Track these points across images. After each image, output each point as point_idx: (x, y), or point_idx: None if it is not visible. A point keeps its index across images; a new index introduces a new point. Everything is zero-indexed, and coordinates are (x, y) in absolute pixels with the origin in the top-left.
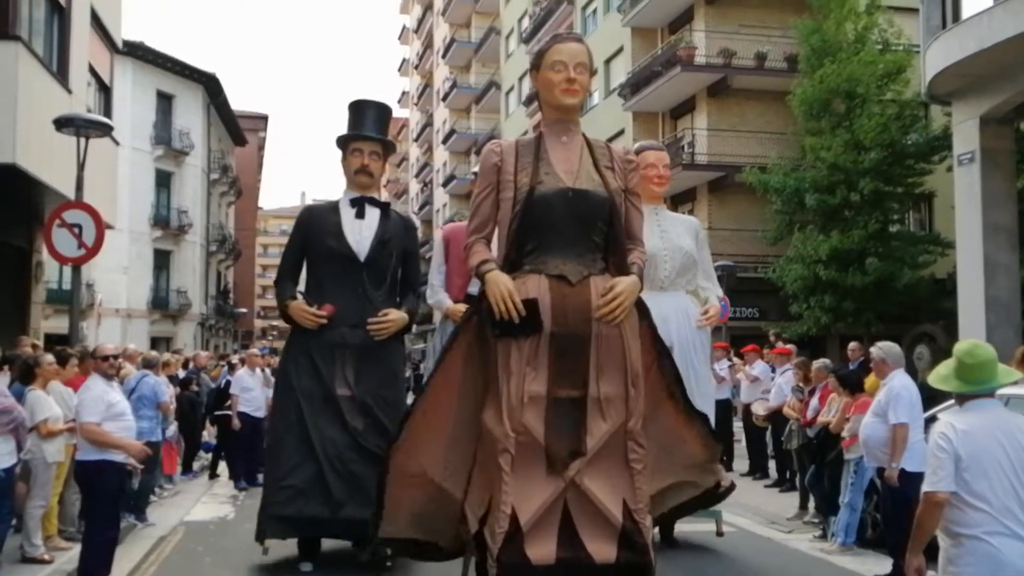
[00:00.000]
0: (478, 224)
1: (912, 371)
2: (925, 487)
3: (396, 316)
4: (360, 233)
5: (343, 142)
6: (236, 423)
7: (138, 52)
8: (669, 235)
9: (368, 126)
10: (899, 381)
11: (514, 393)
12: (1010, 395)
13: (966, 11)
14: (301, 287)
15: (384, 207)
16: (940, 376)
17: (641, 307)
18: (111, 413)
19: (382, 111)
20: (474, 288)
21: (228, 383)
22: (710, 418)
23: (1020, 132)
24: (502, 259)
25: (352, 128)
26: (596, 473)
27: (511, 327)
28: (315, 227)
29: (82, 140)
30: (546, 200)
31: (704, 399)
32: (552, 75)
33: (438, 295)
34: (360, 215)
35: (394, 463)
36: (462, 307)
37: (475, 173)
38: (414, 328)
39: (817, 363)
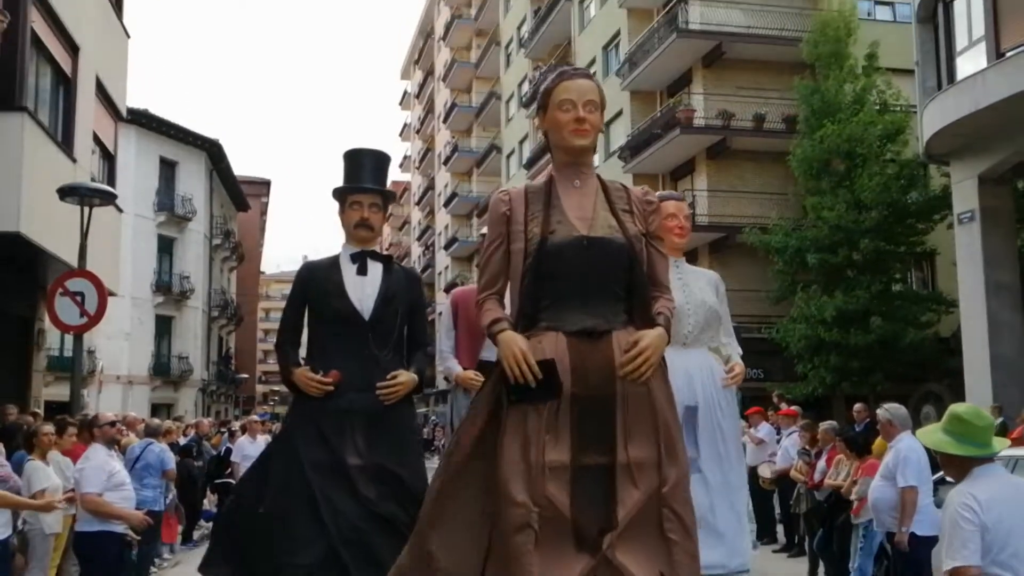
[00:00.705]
0: (488, 279)
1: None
2: (955, 563)
3: (406, 378)
4: (363, 291)
5: (340, 194)
6: None
7: (142, 120)
8: (691, 289)
9: (366, 176)
10: (907, 443)
11: (534, 463)
12: (1018, 456)
13: (961, 72)
14: (303, 349)
15: (386, 261)
16: (943, 441)
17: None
18: (112, 483)
19: (380, 159)
20: (487, 353)
21: (229, 450)
22: (742, 482)
23: (1018, 191)
24: (516, 317)
25: (349, 179)
26: (629, 546)
27: (528, 391)
28: (316, 286)
29: (86, 209)
30: (559, 251)
31: (731, 463)
32: (560, 115)
33: (447, 362)
34: (362, 271)
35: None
36: (472, 374)
37: (482, 235)
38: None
39: (823, 425)
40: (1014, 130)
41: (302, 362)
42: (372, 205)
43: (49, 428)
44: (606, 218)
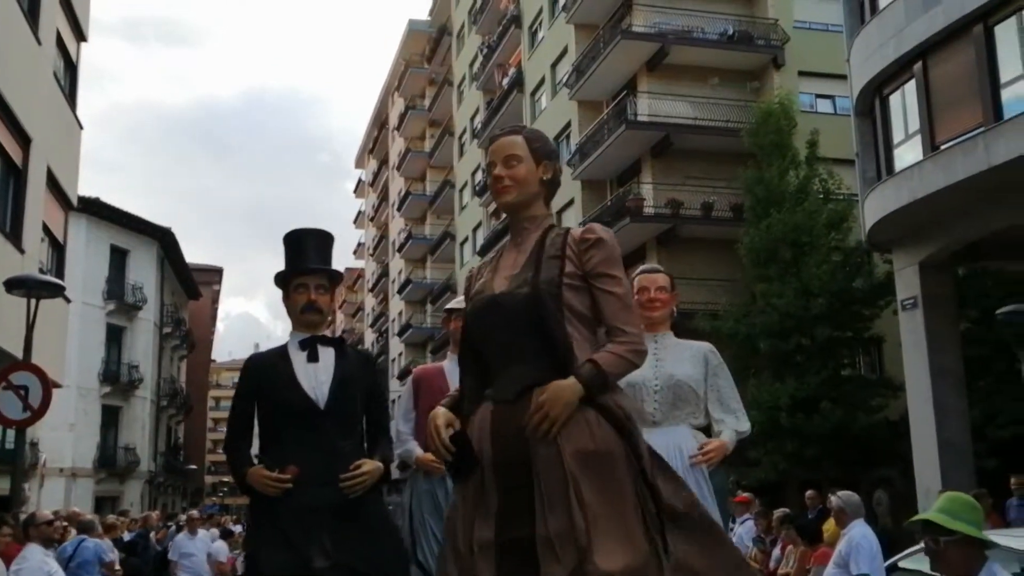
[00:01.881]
0: (458, 350)
1: (872, 516)
2: None
3: (371, 467)
4: (316, 378)
5: (284, 278)
6: None
7: (92, 208)
8: (664, 364)
9: (311, 257)
10: (859, 531)
11: (462, 542)
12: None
13: (899, 163)
14: (254, 446)
15: (338, 344)
16: (972, 523)
17: (617, 419)
18: None
19: (323, 239)
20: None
21: None
22: None
23: (959, 277)
24: (460, 389)
25: (292, 262)
26: None
27: (452, 467)
28: (265, 378)
29: (33, 301)
30: (475, 313)
31: None
32: (491, 179)
33: (407, 444)
34: (313, 358)
35: None
36: (431, 456)
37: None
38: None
39: (777, 512)
40: (951, 219)
41: (255, 460)
42: (318, 287)
43: None
44: (526, 270)
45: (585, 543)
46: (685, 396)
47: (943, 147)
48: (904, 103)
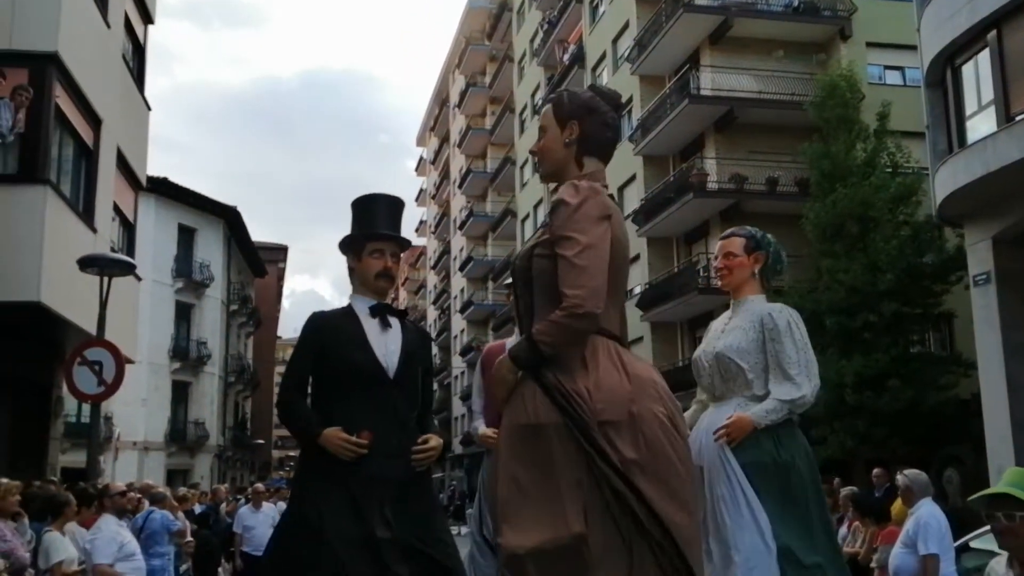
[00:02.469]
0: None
1: (942, 494)
2: None
3: (437, 443)
4: (386, 346)
5: (359, 242)
6: (238, 563)
7: (161, 188)
8: (724, 335)
9: (384, 223)
10: (927, 510)
11: None
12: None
13: (971, 136)
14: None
15: (402, 316)
16: None
17: (553, 395)
18: (123, 554)
19: (396, 205)
20: None
21: None
22: (752, 555)
23: None
24: None
25: (368, 226)
26: None
27: None
28: (331, 337)
29: (105, 279)
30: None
31: (733, 533)
32: None
33: (475, 420)
34: (385, 324)
35: None
36: (492, 431)
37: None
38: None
39: (844, 490)
40: None
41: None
42: (394, 255)
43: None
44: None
45: (502, 516)
46: (730, 369)
47: (1018, 118)
48: (977, 73)
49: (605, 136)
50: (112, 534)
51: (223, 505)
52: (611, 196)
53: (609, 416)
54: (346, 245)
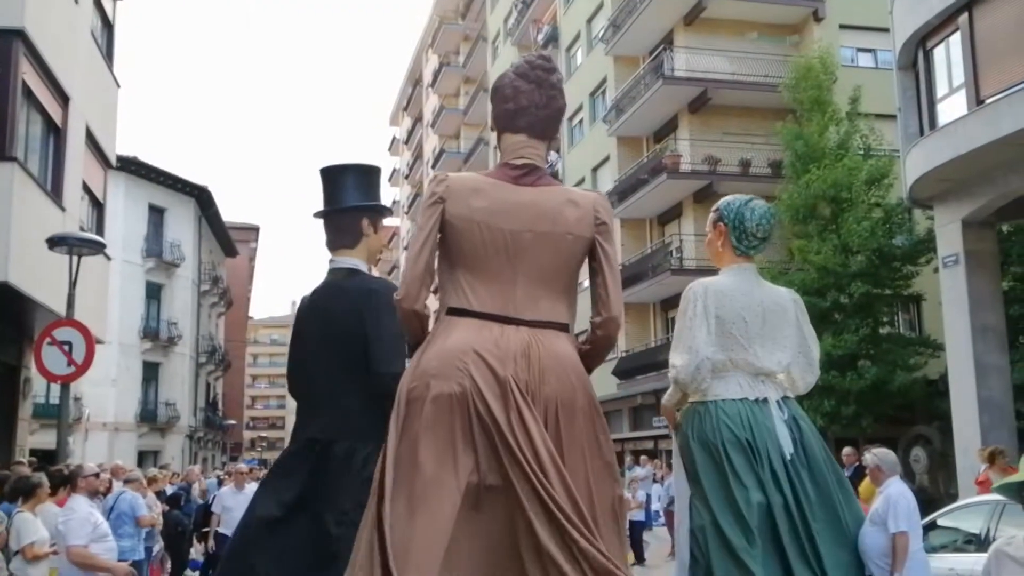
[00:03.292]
0: None
1: (909, 474)
2: None
3: None
4: None
5: (384, 214)
6: (211, 544)
7: (131, 167)
8: None
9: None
10: (896, 488)
11: None
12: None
13: (942, 118)
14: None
15: None
16: None
17: None
18: (96, 534)
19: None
20: None
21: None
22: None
23: (1002, 234)
24: None
25: (376, 199)
26: None
27: None
28: None
29: (74, 258)
30: None
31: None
32: None
33: None
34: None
35: None
36: None
37: None
38: None
39: None
40: (995, 175)
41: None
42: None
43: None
44: None
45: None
46: None
47: (988, 101)
48: (948, 56)
49: (504, 108)
50: (85, 515)
51: (195, 485)
52: (554, 174)
53: (417, 395)
54: (374, 211)
